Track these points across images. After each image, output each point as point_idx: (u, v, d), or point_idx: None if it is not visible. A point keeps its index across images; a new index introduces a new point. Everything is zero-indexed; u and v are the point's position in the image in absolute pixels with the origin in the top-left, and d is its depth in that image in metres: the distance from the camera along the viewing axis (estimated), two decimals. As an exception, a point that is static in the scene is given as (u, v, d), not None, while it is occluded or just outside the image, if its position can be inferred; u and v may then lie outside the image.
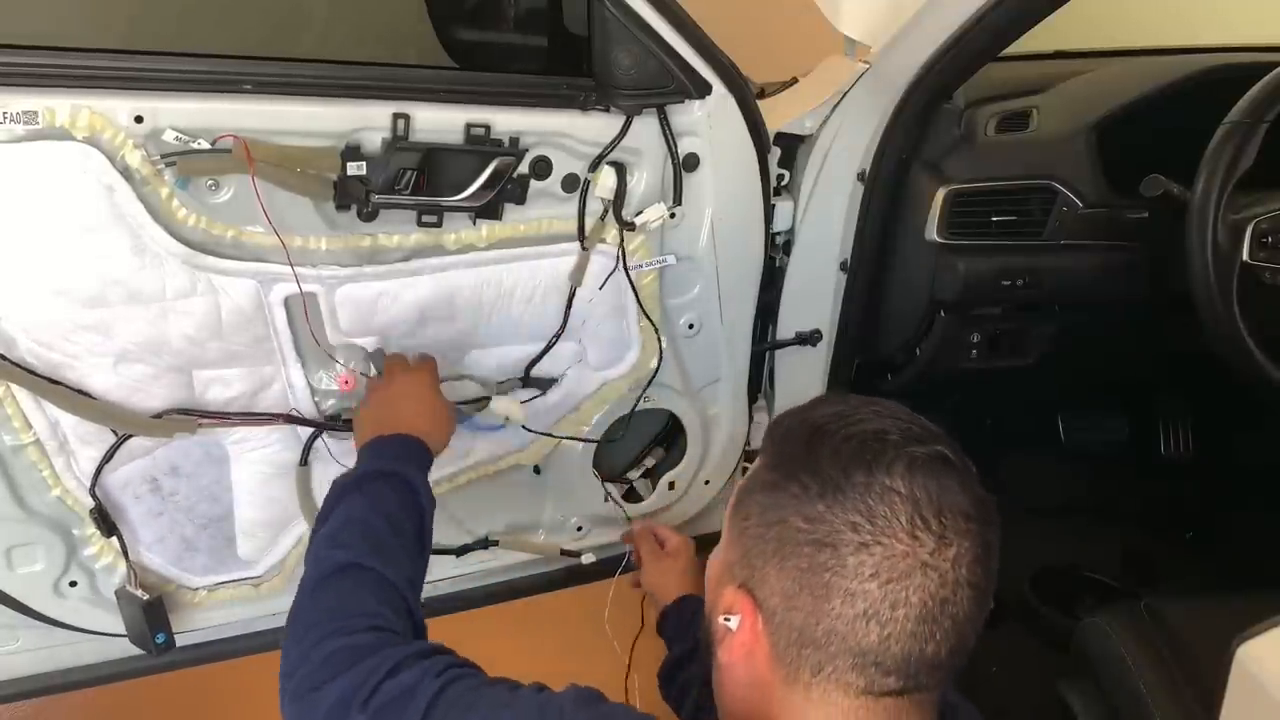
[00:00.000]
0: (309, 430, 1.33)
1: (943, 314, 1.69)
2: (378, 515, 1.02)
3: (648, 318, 1.44)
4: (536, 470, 1.54)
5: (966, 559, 0.75)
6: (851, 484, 0.76)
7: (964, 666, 0.79)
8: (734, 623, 0.81)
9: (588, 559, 1.62)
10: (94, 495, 1.27)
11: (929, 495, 0.75)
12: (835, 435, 0.79)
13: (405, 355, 1.31)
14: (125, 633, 1.37)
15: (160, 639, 1.36)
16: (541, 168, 1.29)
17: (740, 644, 0.81)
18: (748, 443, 1.69)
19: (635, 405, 1.53)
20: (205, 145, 1.12)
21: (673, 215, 1.39)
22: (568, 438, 1.52)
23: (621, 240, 1.36)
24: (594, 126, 1.29)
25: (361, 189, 1.20)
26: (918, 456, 0.77)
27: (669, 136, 1.33)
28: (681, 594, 1.39)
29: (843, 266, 1.56)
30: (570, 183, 1.32)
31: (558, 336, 1.40)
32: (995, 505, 0.80)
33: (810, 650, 0.77)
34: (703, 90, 1.32)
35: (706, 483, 1.70)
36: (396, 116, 1.19)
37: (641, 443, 1.70)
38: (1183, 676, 1.29)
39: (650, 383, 1.51)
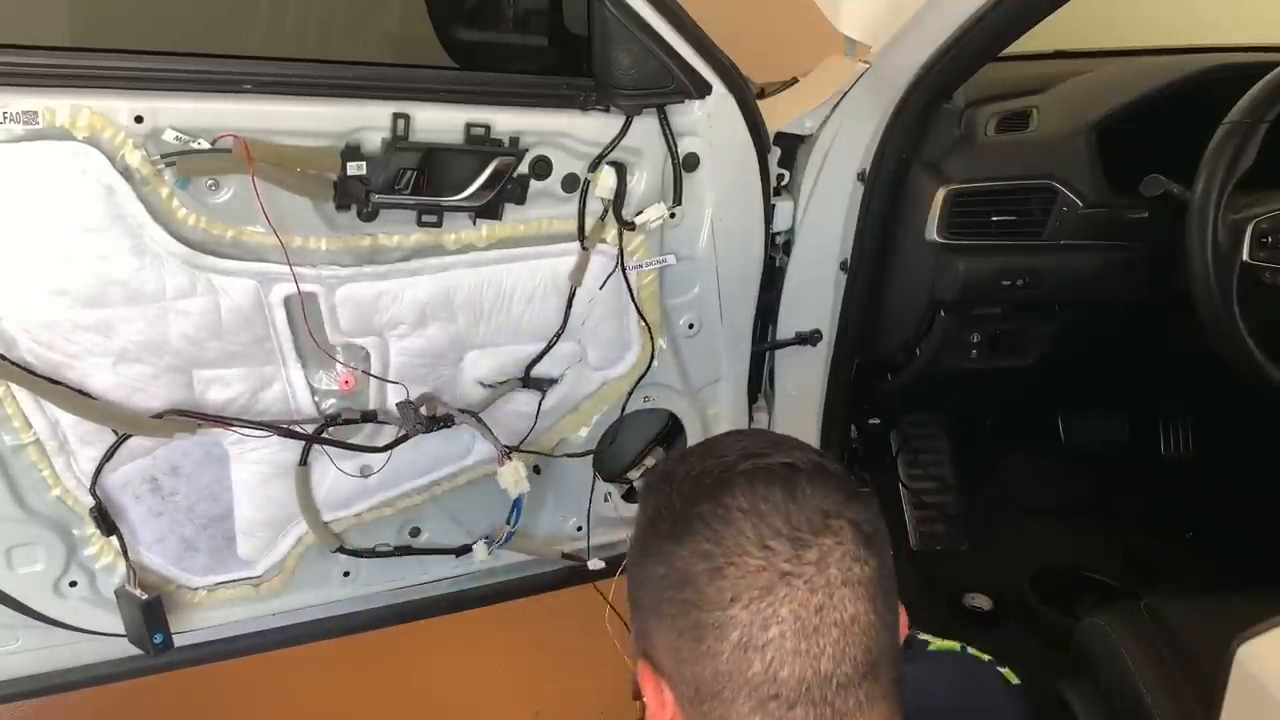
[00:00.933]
0: (309, 429, 1.32)
1: (943, 314, 1.69)
2: None
3: (643, 319, 1.44)
4: (537, 470, 1.54)
5: (834, 557, 0.70)
6: (697, 515, 0.72)
7: (893, 681, 0.73)
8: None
9: (589, 560, 1.62)
10: (94, 495, 1.27)
11: (774, 505, 0.71)
12: (680, 477, 0.77)
13: None
14: (125, 633, 1.37)
15: (158, 639, 1.35)
16: (541, 168, 1.29)
17: (655, 717, 0.76)
18: (748, 443, 1.69)
19: (623, 409, 1.53)
20: (205, 145, 1.12)
21: (673, 215, 1.39)
22: (552, 455, 1.52)
23: (620, 240, 1.36)
24: (594, 126, 1.29)
25: (361, 189, 1.20)
26: (758, 469, 0.73)
27: (669, 136, 1.33)
28: None
29: (843, 266, 1.56)
30: (570, 183, 1.32)
31: (558, 336, 1.40)
32: (866, 496, 0.75)
33: (710, 704, 0.71)
34: (703, 90, 1.32)
35: (706, 483, 1.69)
36: (396, 116, 1.19)
37: (642, 443, 1.70)
38: (1183, 676, 1.29)
39: (636, 387, 1.50)
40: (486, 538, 1.53)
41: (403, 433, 1.35)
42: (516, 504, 1.45)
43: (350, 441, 1.37)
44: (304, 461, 1.34)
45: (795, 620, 0.69)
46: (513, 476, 1.39)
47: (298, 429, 1.32)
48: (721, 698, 0.71)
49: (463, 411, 1.37)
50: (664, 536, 0.74)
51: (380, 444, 1.37)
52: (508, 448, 1.40)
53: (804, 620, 0.69)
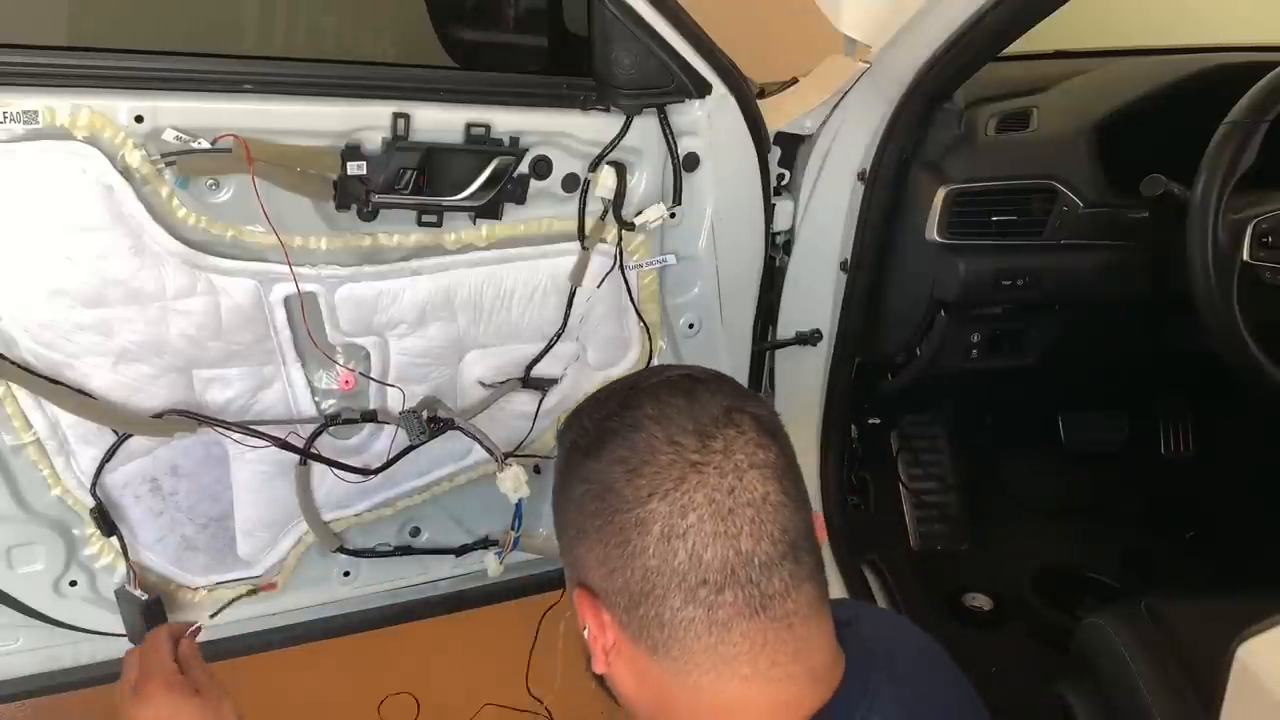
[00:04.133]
0: (309, 429, 1.32)
1: (943, 314, 1.69)
2: None
3: (641, 319, 1.44)
4: (536, 470, 1.54)
5: (738, 444, 0.76)
6: (609, 429, 0.78)
7: (816, 565, 0.78)
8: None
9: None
10: (94, 495, 1.27)
11: (677, 408, 0.77)
12: (588, 407, 0.84)
13: (165, 660, 1.07)
14: (125, 633, 1.37)
15: (159, 639, 1.35)
16: (541, 167, 1.29)
17: (597, 641, 0.79)
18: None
19: None
20: (205, 145, 1.11)
21: (673, 215, 1.39)
22: (551, 456, 1.51)
23: (620, 240, 1.36)
24: (594, 126, 1.29)
25: (361, 188, 1.20)
26: (660, 382, 0.80)
27: (669, 136, 1.33)
28: None
29: (843, 266, 1.56)
30: (570, 182, 1.32)
31: (558, 336, 1.40)
32: (761, 398, 0.81)
33: (645, 606, 0.75)
34: (703, 90, 1.32)
35: (706, 483, 1.70)
36: (396, 116, 1.19)
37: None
38: (1183, 676, 1.29)
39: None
40: (496, 551, 1.52)
41: (406, 444, 1.35)
42: (518, 509, 1.45)
43: (351, 443, 1.37)
44: (304, 461, 1.34)
45: (710, 504, 0.74)
46: (513, 482, 1.39)
47: (298, 431, 1.32)
48: (654, 596, 0.75)
49: (459, 422, 1.37)
50: (581, 458, 0.79)
51: (380, 443, 1.37)
52: (505, 454, 1.39)
53: (718, 503, 0.74)
